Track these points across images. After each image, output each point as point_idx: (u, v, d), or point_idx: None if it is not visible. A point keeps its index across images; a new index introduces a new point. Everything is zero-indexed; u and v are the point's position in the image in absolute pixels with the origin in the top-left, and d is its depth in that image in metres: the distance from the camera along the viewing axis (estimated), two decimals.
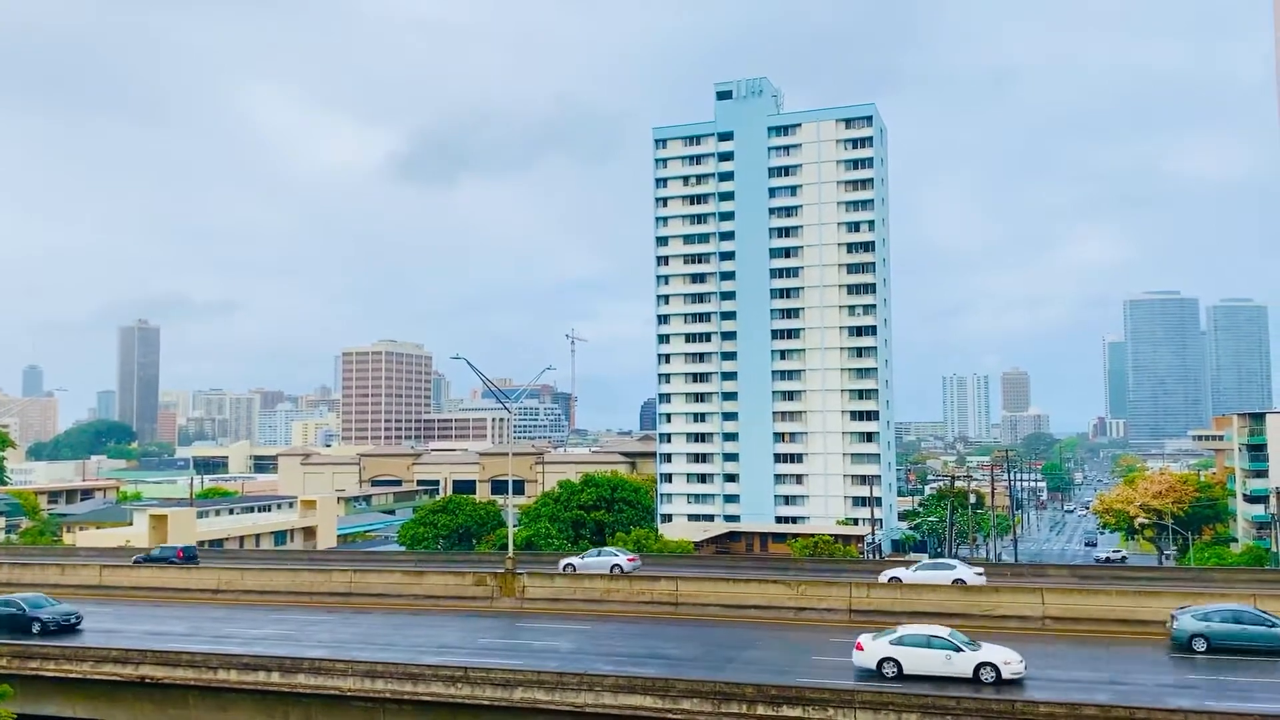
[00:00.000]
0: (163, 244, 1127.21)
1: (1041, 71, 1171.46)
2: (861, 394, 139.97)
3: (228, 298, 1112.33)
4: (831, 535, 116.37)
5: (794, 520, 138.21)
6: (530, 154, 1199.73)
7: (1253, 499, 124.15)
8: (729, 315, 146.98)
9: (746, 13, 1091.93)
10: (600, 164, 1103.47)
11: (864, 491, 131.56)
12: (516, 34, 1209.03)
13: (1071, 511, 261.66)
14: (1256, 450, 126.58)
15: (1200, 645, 38.13)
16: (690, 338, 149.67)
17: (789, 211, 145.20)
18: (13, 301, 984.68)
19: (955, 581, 52.41)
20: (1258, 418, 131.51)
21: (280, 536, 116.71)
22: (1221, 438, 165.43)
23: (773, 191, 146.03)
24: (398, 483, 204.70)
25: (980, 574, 54.02)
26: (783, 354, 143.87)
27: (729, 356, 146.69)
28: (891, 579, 53.88)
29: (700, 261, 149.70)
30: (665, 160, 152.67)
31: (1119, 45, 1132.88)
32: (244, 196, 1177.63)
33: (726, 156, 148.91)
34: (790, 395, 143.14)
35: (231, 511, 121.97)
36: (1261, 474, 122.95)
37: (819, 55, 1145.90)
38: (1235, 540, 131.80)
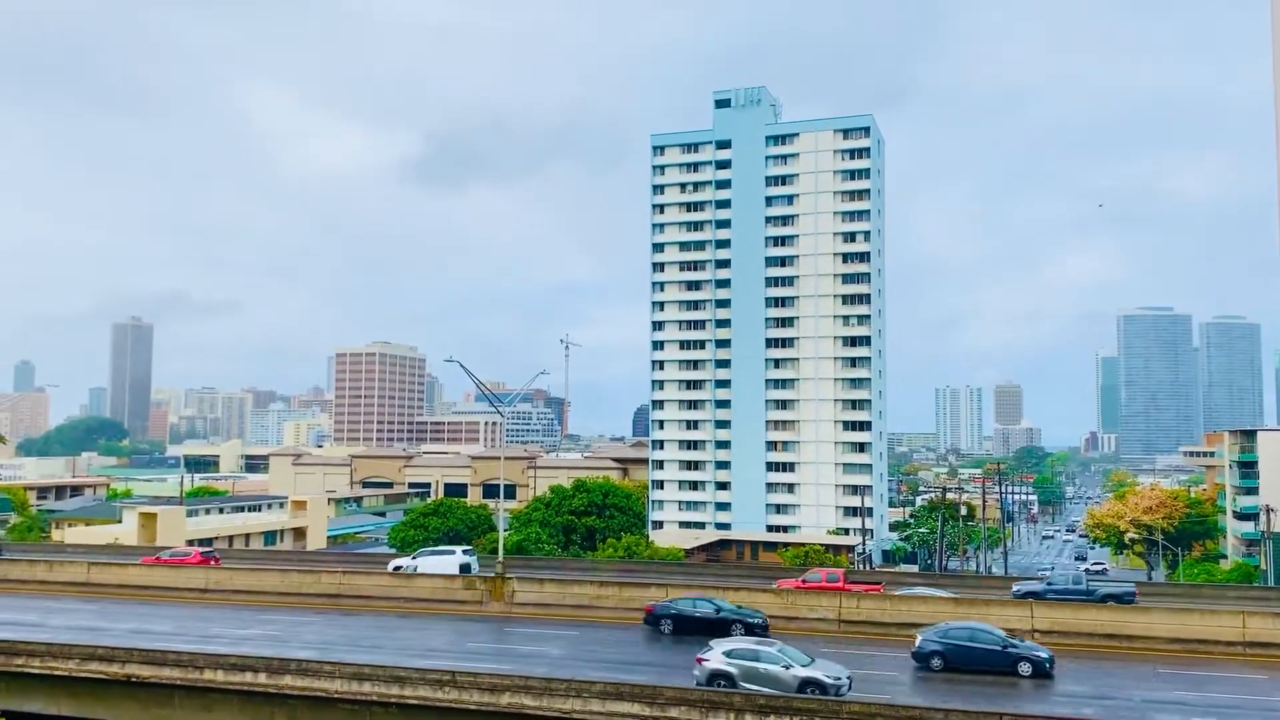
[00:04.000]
0: (164, 241, 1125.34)
1: (1044, 90, 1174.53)
2: (854, 404, 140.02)
3: (227, 296, 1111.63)
4: (822, 545, 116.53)
5: (785, 529, 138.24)
6: (539, 159, 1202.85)
7: (1242, 516, 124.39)
8: (723, 323, 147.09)
9: (761, 22, 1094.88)
10: (609, 170, 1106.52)
11: (855, 502, 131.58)
12: (531, 39, 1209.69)
13: (1051, 536, 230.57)
14: (1247, 467, 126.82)
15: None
16: (684, 345, 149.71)
17: (785, 221, 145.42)
18: (9, 295, 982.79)
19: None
20: (1249, 435, 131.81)
21: (270, 537, 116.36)
22: (1213, 454, 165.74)
23: (769, 200, 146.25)
24: (389, 485, 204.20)
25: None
26: (776, 363, 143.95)
27: (723, 364, 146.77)
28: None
29: (696, 269, 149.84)
30: (663, 168, 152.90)
31: (1121, 65, 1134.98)
32: (248, 196, 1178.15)
33: (724, 165, 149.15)
34: (783, 404, 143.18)
35: (221, 511, 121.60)
36: (1252, 491, 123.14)
37: (830, 67, 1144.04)
38: (1225, 557, 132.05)
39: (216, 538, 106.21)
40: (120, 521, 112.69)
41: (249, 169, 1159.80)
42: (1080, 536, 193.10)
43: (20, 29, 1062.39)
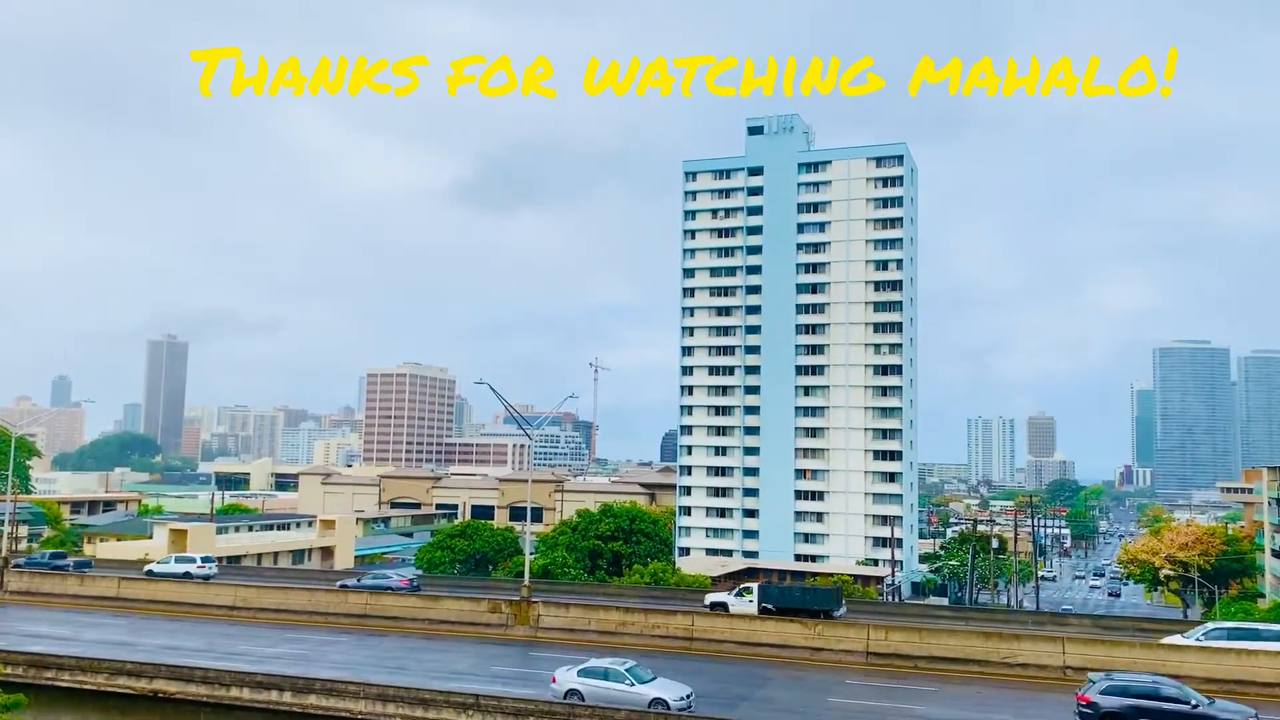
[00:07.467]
0: (209, 259, 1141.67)
1: (1093, 117, 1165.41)
2: (885, 433, 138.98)
3: (266, 315, 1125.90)
4: (851, 575, 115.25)
5: (813, 559, 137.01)
6: (588, 183, 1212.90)
7: None
8: (753, 349, 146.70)
9: (811, 44, 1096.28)
10: (656, 193, 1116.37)
11: (885, 532, 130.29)
12: (582, 63, 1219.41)
13: (1052, 578, 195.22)
14: None
15: None
16: (714, 370, 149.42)
17: (817, 248, 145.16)
18: (54, 310, 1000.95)
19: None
20: None
21: (298, 555, 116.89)
22: (1251, 490, 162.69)
23: (801, 227, 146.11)
24: (417, 505, 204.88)
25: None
26: (806, 390, 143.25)
27: (752, 390, 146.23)
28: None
29: (726, 295, 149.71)
30: (695, 193, 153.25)
31: (1174, 93, 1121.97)
32: (294, 217, 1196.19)
33: (756, 191, 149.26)
34: (813, 432, 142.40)
35: (251, 528, 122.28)
36: None
37: (884, 91, 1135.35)
38: (1263, 595, 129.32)
39: (245, 555, 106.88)
40: (151, 537, 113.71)
41: (296, 190, 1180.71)
42: (1112, 579, 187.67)
43: (69, 51, 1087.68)
